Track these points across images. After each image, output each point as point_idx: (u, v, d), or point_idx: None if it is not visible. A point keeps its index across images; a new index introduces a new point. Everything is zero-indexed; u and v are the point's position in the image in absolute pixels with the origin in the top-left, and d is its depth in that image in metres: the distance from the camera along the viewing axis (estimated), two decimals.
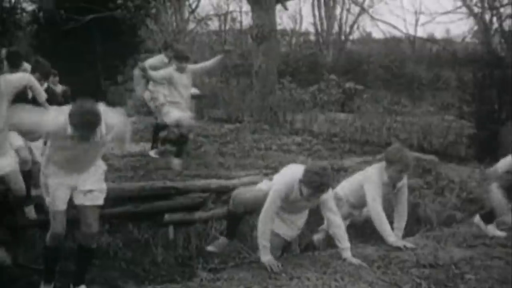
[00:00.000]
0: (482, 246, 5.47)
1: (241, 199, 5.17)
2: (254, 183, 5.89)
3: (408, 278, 4.60)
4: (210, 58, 9.44)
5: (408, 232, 5.74)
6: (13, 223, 5.84)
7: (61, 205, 4.79)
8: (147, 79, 8.51)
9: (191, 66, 7.95)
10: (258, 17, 14.15)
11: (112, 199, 5.71)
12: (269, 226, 4.84)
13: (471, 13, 18.18)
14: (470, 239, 5.67)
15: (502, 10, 14.07)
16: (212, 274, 4.72)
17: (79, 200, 4.82)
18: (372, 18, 27.14)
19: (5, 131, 4.85)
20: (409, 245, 5.33)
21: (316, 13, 29.83)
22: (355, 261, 4.85)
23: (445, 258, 5.04)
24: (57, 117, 4.53)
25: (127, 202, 6.88)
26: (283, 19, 30.99)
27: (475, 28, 18.77)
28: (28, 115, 4.63)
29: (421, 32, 34.80)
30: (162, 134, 9.34)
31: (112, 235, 6.54)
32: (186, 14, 22.35)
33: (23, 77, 5.69)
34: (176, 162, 7.97)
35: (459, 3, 18.69)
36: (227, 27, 28.23)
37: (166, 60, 8.66)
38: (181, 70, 7.61)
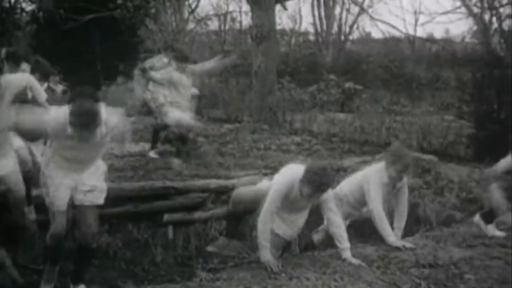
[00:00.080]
0: (481, 246, 5.48)
1: (240, 199, 5.17)
2: (254, 183, 5.89)
3: (407, 278, 4.60)
4: (209, 58, 9.44)
5: (407, 232, 5.75)
6: (12, 223, 5.83)
7: (62, 206, 4.78)
8: (147, 79, 8.49)
9: (191, 66, 7.92)
10: (257, 17, 14.15)
11: (112, 199, 5.70)
12: (268, 226, 4.84)
13: (470, 13, 18.18)
14: (469, 239, 5.68)
15: (501, 10, 14.08)
16: (212, 274, 4.72)
17: (79, 199, 4.82)
18: (372, 18, 27.12)
19: (5, 132, 4.83)
20: (408, 245, 5.34)
21: (316, 13, 29.85)
22: (355, 261, 4.85)
23: (444, 258, 5.04)
24: (57, 116, 4.53)
25: (126, 202, 6.88)
26: (282, 19, 30.92)
27: (475, 28, 18.80)
28: (28, 115, 4.63)
29: (420, 32, 34.74)
30: (163, 134, 9.35)
31: (111, 235, 6.54)
32: (186, 14, 22.34)
33: (23, 77, 5.69)
34: (176, 162, 7.96)
35: (459, 3, 18.66)
36: (227, 27, 28.21)
37: (166, 60, 8.64)
38: (181, 70, 7.59)
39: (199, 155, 9.44)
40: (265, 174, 7.20)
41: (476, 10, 16.97)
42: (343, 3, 29.78)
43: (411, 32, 27.67)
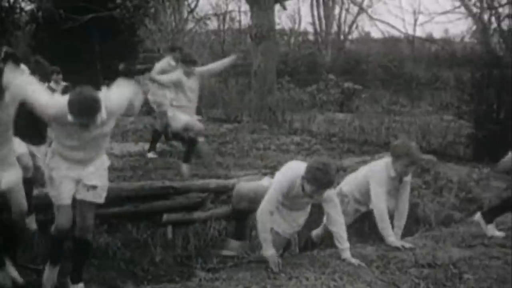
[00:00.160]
0: (480, 246, 5.47)
1: (242, 195, 5.10)
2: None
3: (406, 278, 4.60)
4: (209, 58, 9.40)
5: (406, 232, 5.75)
6: (12, 223, 5.81)
7: (66, 199, 4.78)
8: (157, 84, 8.41)
9: (199, 69, 7.78)
10: (257, 17, 14.15)
11: (111, 198, 5.70)
12: (268, 222, 4.79)
13: (469, 13, 18.21)
14: (468, 239, 5.67)
15: (500, 10, 14.08)
16: (211, 274, 4.72)
17: (81, 194, 4.82)
18: (371, 18, 27.15)
19: (11, 142, 4.77)
20: (407, 245, 5.34)
21: (315, 13, 29.92)
22: (354, 261, 4.84)
23: (443, 258, 5.04)
24: (59, 103, 4.53)
25: (126, 202, 6.89)
26: (282, 19, 31.02)
27: (474, 28, 18.81)
28: (37, 94, 4.62)
29: (419, 32, 34.78)
30: (165, 134, 9.36)
31: (111, 234, 6.55)
32: (185, 14, 22.33)
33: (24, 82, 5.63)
34: (184, 168, 7.76)
35: (458, 3, 18.70)
36: (226, 26, 28.23)
37: (173, 62, 8.55)
38: (188, 74, 7.47)
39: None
40: (265, 174, 7.20)
41: (475, 10, 17.00)
42: (343, 3, 29.83)
43: (410, 32, 27.75)
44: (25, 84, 4.61)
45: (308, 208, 5.29)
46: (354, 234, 5.94)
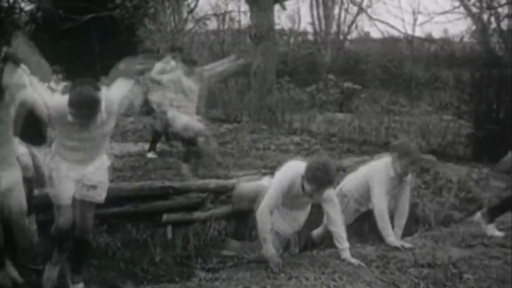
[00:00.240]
0: (480, 245, 5.48)
1: (242, 195, 5.10)
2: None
3: (406, 278, 4.61)
4: (209, 58, 9.36)
5: (406, 232, 5.75)
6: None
7: (66, 199, 4.77)
8: (157, 84, 8.36)
9: (199, 69, 7.66)
10: (256, 17, 14.15)
11: (111, 199, 5.70)
12: (268, 221, 4.77)
13: (469, 13, 18.18)
14: (468, 239, 5.68)
15: (500, 10, 14.07)
16: (211, 274, 4.72)
17: (81, 194, 4.82)
18: (370, 18, 27.05)
19: (11, 142, 4.76)
20: (407, 245, 5.34)
21: (315, 13, 29.88)
22: (354, 261, 4.84)
23: (443, 258, 5.04)
24: (59, 103, 4.53)
25: (125, 202, 6.89)
26: (281, 19, 30.90)
27: (473, 28, 18.77)
28: (38, 94, 4.63)
29: (419, 32, 34.81)
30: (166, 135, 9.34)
31: (110, 235, 6.55)
32: (185, 14, 22.33)
33: (29, 96, 5.58)
34: (185, 167, 7.75)
35: (457, 3, 18.65)
36: (226, 27, 28.21)
37: (173, 62, 8.50)
38: (188, 74, 7.41)
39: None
40: (264, 174, 7.19)
41: (474, 10, 16.96)
42: (342, 3, 29.69)
43: (409, 32, 27.62)
44: (26, 84, 4.60)
45: (308, 208, 5.28)
46: (354, 234, 5.95)
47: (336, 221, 4.95)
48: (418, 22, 31.12)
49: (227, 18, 28.00)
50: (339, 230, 4.95)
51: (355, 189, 5.76)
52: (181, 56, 7.84)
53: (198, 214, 7.10)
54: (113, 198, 6.03)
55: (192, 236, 6.78)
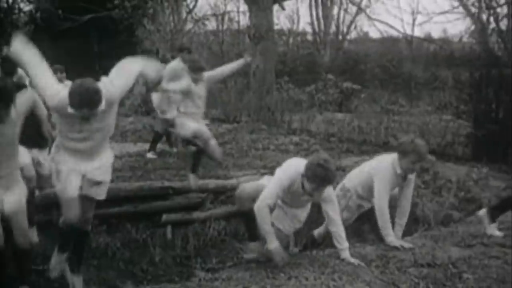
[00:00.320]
0: (480, 245, 5.47)
1: (245, 196, 5.01)
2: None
3: (406, 278, 4.61)
4: (208, 58, 9.30)
5: (406, 232, 5.74)
6: None
7: (74, 191, 4.76)
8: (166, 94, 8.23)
9: (206, 75, 7.55)
10: (255, 17, 14.15)
11: (110, 199, 5.71)
12: (267, 212, 4.71)
13: (468, 13, 18.20)
14: (468, 239, 5.68)
15: (499, 10, 14.08)
16: (210, 274, 4.73)
17: (85, 190, 4.83)
18: (370, 18, 27.15)
19: (16, 158, 4.73)
20: (406, 245, 5.33)
21: (314, 13, 29.89)
22: (354, 260, 4.84)
23: (443, 258, 5.04)
24: (59, 94, 4.53)
25: (125, 202, 6.89)
26: (280, 19, 31.02)
27: (472, 27, 18.79)
28: (42, 81, 4.62)
29: (418, 32, 34.93)
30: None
31: (110, 235, 6.55)
32: (184, 14, 22.33)
33: (29, 97, 5.57)
34: (191, 178, 7.46)
35: (456, 3, 18.69)
36: (225, 27, 28.23)
37: (182, 64, 8.33)
38: (196, 81, 7.28)
39: None
40: (264, 174, 7.19)
41: (473, 10, 16.98)
42: (341, 3, 29.82)
43: (409, 32, 27.67)
44: (26, 85, 4.60)
45: (309, 206, 5.26)
46: (353, 234, 5.95)
47: (335, 221, 4.94)
48: (417, 22, 31.21)
49: (226, 18, 28.04)
50: (339, 230, 4.95)
51: (359, 185, 5.71)
52: (188, 64, 7.62)
53: (197, 214, 7.10)
54: (113, 198, 6.04)
55: (191, 236, 6.78)
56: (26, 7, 20.10)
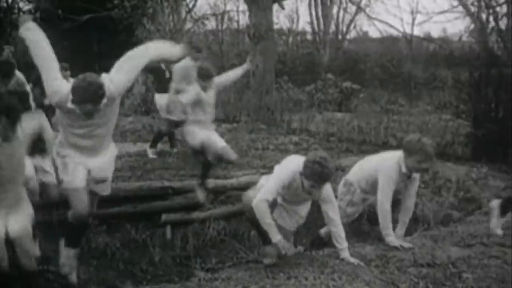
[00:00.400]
0: (479, 245, 5.48)
1: (250, 202, 4.96)
2: (252, 182, 5.86)
3: (405, 277, 4.61)
4: (207, 58, 9.22)
5: (405, 232, 5.74)
6: None
7: (81, 181, 4.80)
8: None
9: (215, 81, 7.45)
10: (255, 17, 14.15)
11: (110, 199, 5.71)
12: (266, 207, 4.67)
13: (467, 12, 18.24)
14: (467, 238, 5.68)
15: (498, 9, 14.11)
16: (210, 274, 4.73)
17: (90, 186, 4.85)
18: (369, 17, 27.29)
19: (22, 180, 4.69)
20: (406, 244, 5.34)
21: (313, 12, 29.93)
22: (353, 260, 4.84)
23: (442, 257, 5.05)
24: (61, 89, 4.53)
25: (124, 202, 6.88)
26: (280, 19, 31.10)
27: (472, 27, 18.85)
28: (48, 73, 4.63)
29: (417, 31, 35.03)
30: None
31: (109, 235, 6.54)
32: (183, 14, 22.34)
33: (37, 123, 5.55)
34: (199, 192, 7.29)
35: (456, 3, 18.76)
36: (224, 26, 28.26)
37: (191, 62, 8.24)
38: (205, 88, 7.18)
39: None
40: (263, 174, 7.18)
41: (473, 9, 17.02)
42: (341, 2, 29.90)
43: (408, 31, 27.76)
44: (28, 92, 4.62)
45: (310, 202, 5.25)
46: (353, 233, 5.95)
47: (335, 221, 4.94)
48: (416, 22, 31.32)
49: (225, 18, 28.06)
50: (338, 230, 4.94)
51: (363, 179, 5.69)
52: (197, 71, 7.49)
53: (197, 214, 7.09)
54: (112, 198, 6.03)
55: (191, 236, 6.77)
56: (26, 7, 20.15)
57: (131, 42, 18.50)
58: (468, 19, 19.20)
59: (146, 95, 15.00)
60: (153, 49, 5.20)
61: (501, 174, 9.05)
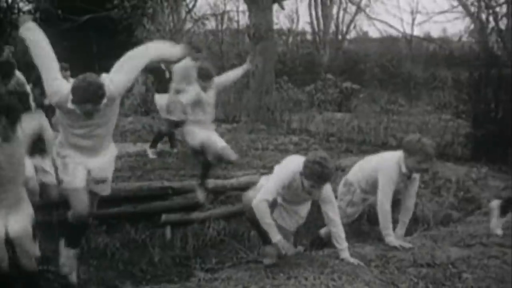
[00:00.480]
0: (479, 245, 5.48)
1: (250, 203, 4.96)
2: (252, 183, 5.86)
3: (405, 278, 4.61)
4: (207, 58, 9.19)
5: (405, 232, 5.74)
6: None
7: (81, 181, 4.80)
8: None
9: (216, 81, 7.41)
10: (255, 17, 14.14)
11: (110, 199, 5.71)
12: (265, 207, 4.67)
13: (467, 12, 18.24)
14: (467, 239, 5.68)
15: (498, 9, 14.11)
16: (210, 274, 4.73)
17: (90, 186, 4.85)
18: (369, 17, 27.28)
19: (22, 180, 4.63)
20: (405, 244, 5.34)
21: (313, 12, 29.89)
22: (353, 260, 4.84)
23: (442, 258, 5.05)
24: (61, 89, 4.52)
25: (124, 202, 6.88)
26: (280, 19, 31.00)
27: (472, 27, 18.85)
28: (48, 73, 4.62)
29: (417, 31, 35.04)
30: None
31: (109, 235, 6.54)
32: (183, 14, 22.33)
33: (37, 123, 5.55)
34: (199, 193, 7.24)
35: (456, 3, 18.75)
36: (224, 26, 28.22)
37: (191, 62, 8.22)
38: (205, 89, 7.16)
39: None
40: (263, 174, 7.19)
41: (473, 9, 17.02)
42: (340, 2, 29.87)
43: (408, 31, 27.77)
44: (29, 93, 4.62)
45: (310, 201, 5.25)
46: (353, 234, 5.95)
47: (335, 222, 4.94)
48: (416, 22, 31.30)
49: (225, 18, 28.03)
50: (338, 230, 4.94)
51: (363, 179, 5.69)
52: (197, 71, 7.46)
53: (196, 215, 7.09)
54: (112, 199, 6.03)
55: (191, 236, 6.78)
56: (26, 7, 20.14)
57: (131, 42, 18.49)
58: (468, 19, 19.22)
59: (146, 95, 15.01)
60: (153, 50, 5.20)
61: (501, 174, 9.05)
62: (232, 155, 7.15)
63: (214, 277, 4.59)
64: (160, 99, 9.09)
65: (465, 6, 18.13)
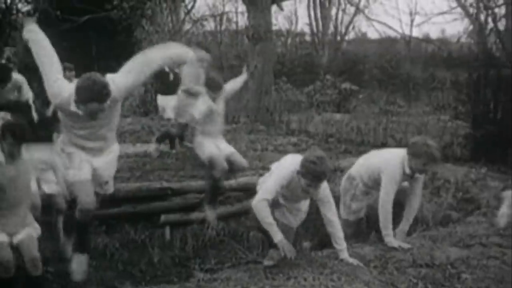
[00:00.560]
0: (478, 245, 5.48)
1: None
2: (251, 183, 5.87)
3: (404, 278, 4.61)
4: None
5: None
6: None
7: (87, 174, 4.78)
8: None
9: (224, 90, 7.35)
10: (253, 18, 14.17)
11: (109, 199, 5.71)
12: (265, 206, 4.67)
13: (466, 13, 18.23)
14: (466, 239, 5.68)
15: (497, 10, 14.08)
16: (209, 275, 4.73)
17: (94, 185, 4.85)
18: (368, 18, 27.29)
19: (28, 207, 4.71)
20: (405, 245, 5.34)
21: (312, 13, 29.93)
22: (352, 261, 4.85)
23: (441, 258, 5.05)
24: (64, 90, 4.52)
25: (124, 203, 6.88)
26: (278, 20, 30.99)
27: (470, 28, 18.84)
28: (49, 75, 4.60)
29: (416, 32, 34.96)
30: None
31: (109, 235, 6.54)
32: (182, 15, 22.34)
33: (47, 159, 5.53)
34: (209, 212, 6.99)
35: (454, 4, 18.75)
36: (223, 27, 28.29)
37: (198, 63, 8.07)
38: (214, 99, 7.08)
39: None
40: (262, 175, 7.19)
41: (471, 10, 17.00)
42: (339, 3, 29.91)
43: (407, 32, 27.84)
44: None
45: (309, 198, 5.24)
46: (352, 234, 5.95)
47: (333, 222, 4.95)
48: (415, 23, 31.23)
49: (224, 19, 28.07)
50: (337, 231, 4.95)
51: (365, 174, 5.73)
52: (205, 82, 7.37)
53: (196, 215, 7.09)
54: (112, 199, 6.02)
55: (190, 236, 6.77)
56: (24, 8, 20.11)
57: (130, 43, 18.54)
58: (466, 20, 19.22)
59: (145, 96, 15.02)
60: (164, 55, 5.01)
61: (500, 174, 9.05)
62: (244, 162, 7.09)
63: (213, 277, 4.59)
64: (163, 101, 9.09)
65: (463, 7, 18.13)
